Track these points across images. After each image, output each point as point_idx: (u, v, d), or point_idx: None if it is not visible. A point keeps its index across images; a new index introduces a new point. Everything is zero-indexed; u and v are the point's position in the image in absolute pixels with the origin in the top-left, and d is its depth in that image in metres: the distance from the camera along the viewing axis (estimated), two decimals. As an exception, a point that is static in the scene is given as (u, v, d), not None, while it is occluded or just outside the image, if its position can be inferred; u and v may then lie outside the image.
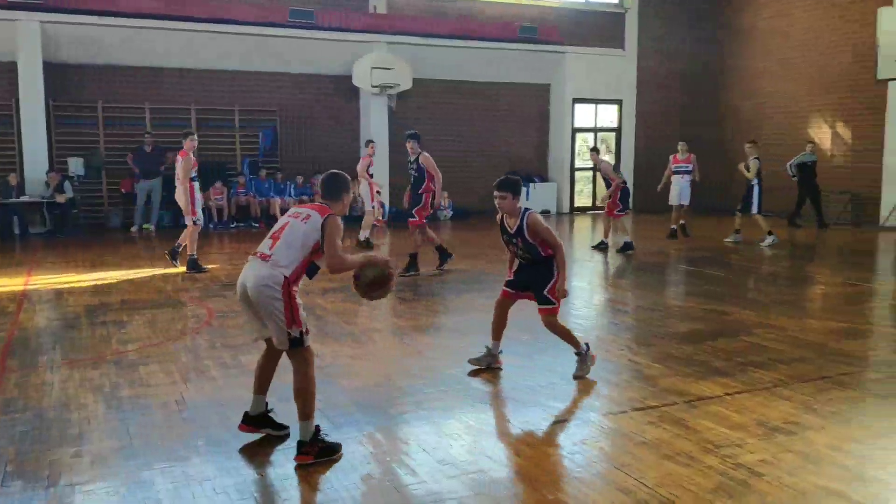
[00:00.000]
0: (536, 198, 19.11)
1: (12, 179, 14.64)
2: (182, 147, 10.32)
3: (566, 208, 20.30)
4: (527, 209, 5.55)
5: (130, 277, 10.00)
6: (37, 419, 4.71)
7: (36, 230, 14.92)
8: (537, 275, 5.57)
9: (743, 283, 10.37)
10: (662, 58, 20.81)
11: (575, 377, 5.58)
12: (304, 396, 4.08)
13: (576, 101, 20.18)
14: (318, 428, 4.14)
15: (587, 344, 5.75)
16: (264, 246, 4.16)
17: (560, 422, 4.83)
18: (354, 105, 17.98)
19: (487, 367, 5.79)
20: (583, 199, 21.05)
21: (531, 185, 19.34)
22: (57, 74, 15.33)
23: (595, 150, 13.89)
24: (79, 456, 4.16)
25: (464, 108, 18.94)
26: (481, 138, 19.31)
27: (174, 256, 10.58)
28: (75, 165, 15.36)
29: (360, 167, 13.54)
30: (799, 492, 3.73)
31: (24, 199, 14.73)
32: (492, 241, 14.68)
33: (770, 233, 13.37)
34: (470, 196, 18.61)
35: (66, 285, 9.43)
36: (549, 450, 4.43)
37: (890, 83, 15.89)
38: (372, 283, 4.26)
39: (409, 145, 10.53)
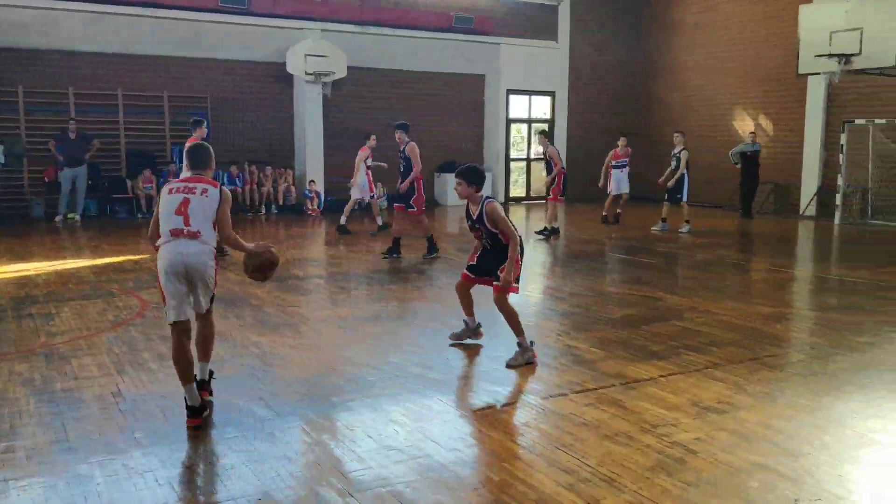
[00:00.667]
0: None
1: (-74, 167, 13.94)
2: (192, 135, 10.17)
3: (501, 198, 20.45)
4: (488, 197, 5.62)
5: (56, 268, 9.66)
6: (-37, 414, 4.53)
7: (-47, 220, 14.25)
8: (500, 259, 5.63)
9: (674, 270, 10.67)
10: (594, 51, 21.16)
11: (508, 366, 5.60)
12: (210, 342, 4.73)
13: (510, 91, 20.34)
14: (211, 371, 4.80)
15: (532, 342, 5.78)
16: (175, 222, 4.40)
17: (502, 405, 4.92)
18: (288, 92, 17.70)
19: (469, 341, 5.99)
20: (517, 189, 21.26)
21: None
22: (-27, 58, 14.63)
23: (544, 132, 13.86)
24: (12, 451, 4.02)
25: (399, 97, 18.83)
26: (417, 128, 19.06)
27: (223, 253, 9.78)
28: (-6, 153, 14.69)
29: (358, 157, 13.41)
30: (733, 468, 3.89)
31: (-61, 187, 14.04)
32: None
33: (687, 221, 13.84)
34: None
35: (-12, 277, 9.05)
36: (493, 433, 4.49)
37: (810, 78, 16.49)
38: (256, 269, 4.83)
39: (397, 135, 10.56)
